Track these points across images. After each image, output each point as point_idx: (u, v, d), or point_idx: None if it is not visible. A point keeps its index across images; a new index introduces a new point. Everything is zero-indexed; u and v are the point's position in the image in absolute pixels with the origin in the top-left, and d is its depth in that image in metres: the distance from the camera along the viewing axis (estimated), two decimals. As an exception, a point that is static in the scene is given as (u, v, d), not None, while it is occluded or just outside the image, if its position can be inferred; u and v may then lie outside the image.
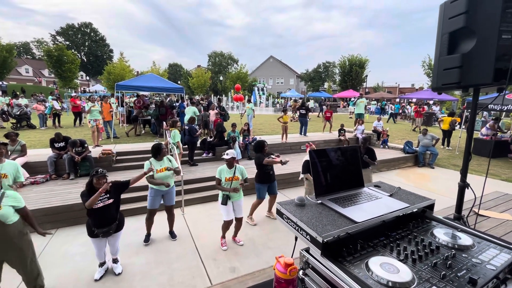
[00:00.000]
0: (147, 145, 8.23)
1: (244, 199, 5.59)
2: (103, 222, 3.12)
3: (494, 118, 11.17)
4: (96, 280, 3.24)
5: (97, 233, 3.10)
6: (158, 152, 4.02)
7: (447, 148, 10.89)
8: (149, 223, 4.11)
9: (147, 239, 4.12)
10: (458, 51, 1.75)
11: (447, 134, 10.97)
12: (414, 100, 22.76)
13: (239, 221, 4.10)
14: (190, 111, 9.12)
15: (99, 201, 3.05)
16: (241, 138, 8.55)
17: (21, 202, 2.70)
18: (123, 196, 5.26)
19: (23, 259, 2.69)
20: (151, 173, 3.85)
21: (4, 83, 25.42)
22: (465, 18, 1.65)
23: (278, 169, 7.00)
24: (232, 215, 3.96)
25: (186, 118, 8.71)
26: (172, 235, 4.28)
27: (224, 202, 3.83)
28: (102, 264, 3.34)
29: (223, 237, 4.04)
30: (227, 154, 3.84)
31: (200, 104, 12.90)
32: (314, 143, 9.45)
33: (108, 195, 3.15)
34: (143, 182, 5.81)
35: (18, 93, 17.91)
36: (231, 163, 3.86)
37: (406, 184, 7.11)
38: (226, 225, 3.96)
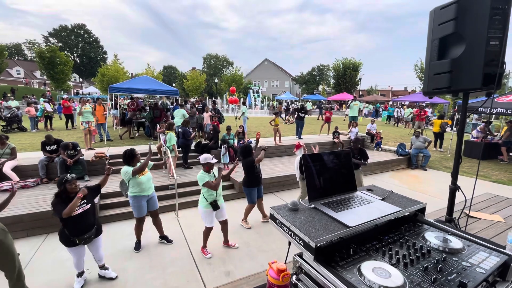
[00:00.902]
0: (141, 148, 8.14)
1: (233, 203, 5.57)
2: (83, 229, 3.00)
3: (486, 121, 11.41)
4: None
5: (78, 241, 2.98)
6: (131, 159, 3.82)
7: (439, 150, 11.06)
8: (139, 230, 4.02)
9: (138, 246, 4.01)
10: (448, 56, 1.78)
11: (439, 136, 11.16)
12: (407, 103, 23.10)
13: (224, 223, 4.03)
14: (179, 113, 9.07)
15: (78, 207, 2.94)
16: (236, 140, 8.55)
17: None
18: (115, 200, 5.23)
19: (10, 257, 2.65)
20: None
21: (-6, 84, 24.97)
22: (454, 24, 1.69)
23: (272, 172, 7.01)
24: (215, 221, 3.90)
25: (176, 121, 8.66)
26: (167, 239, 4.22)
27: (217, 207, 3.75)
28: (80, 274, 3.22)
29: (205, 246, 3.94)
30: (205, 159, 3.74)
31: (195, 107, 12.86)
32: (307, 145, 9.51)
33: (86, 200, 3.06)
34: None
35: (9, 95, 17.58)
36: (210, 168, 3.78)
37: (399, 186, 7.19)
38: (208, 232, 3.88)
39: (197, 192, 6.02)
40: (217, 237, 4.05)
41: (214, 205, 3.73)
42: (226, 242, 4.13)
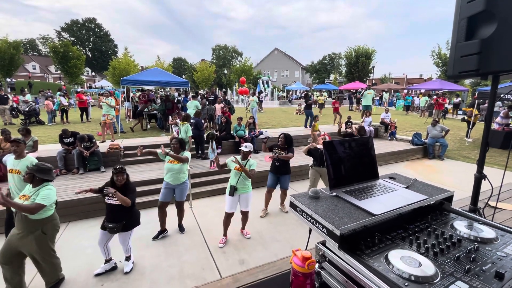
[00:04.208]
0: (155, 140, 8.29)
1: (253, 192, 5.59)
2: (111, 218, 3.22)
3: (510, 105, 10.74)
4: (95, 275, 3.27)
5: (105, 226, 3.23)
6: (184, 145, 4.45)
7: (466, 139, 10.62)
8: (160, 216, 4.11)
9: (157, 235, 4.11)
10: (477, 37, 1.67)
11: (470, 125, 10.68)
12: (422, 91, 22.28)
13: (243, 214, 4.11)
14: (192, 105, 9.11)
15: (111, 198, 3.17)
16: (247, 131, 8.54)
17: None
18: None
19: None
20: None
21: (13, 80, 25.75)
22: (485, 1, 1.57)
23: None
24: (234, 208, 3.95)
25: (189, 112, 8.70)
26: (180, 228, 4.33)
27: (231, 194, 3.85)
28: (107, 261, 3.37)
29: (224, 234, 4.04)
30: (245, 146, 3.95)
31: (205, 98, 12.87)
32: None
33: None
34: (154, 176, 5.87)
35: (26, 89, 18.14)
36: (246, 155, 3.94)
37: (414, 176, 7.01)
38: (225, 217, 3.96)
39: (210, 182, 6.10)
40: (231, 227, 4.09)
41: (231, 190, 3.86)
42: (241, 230, 4.25)
